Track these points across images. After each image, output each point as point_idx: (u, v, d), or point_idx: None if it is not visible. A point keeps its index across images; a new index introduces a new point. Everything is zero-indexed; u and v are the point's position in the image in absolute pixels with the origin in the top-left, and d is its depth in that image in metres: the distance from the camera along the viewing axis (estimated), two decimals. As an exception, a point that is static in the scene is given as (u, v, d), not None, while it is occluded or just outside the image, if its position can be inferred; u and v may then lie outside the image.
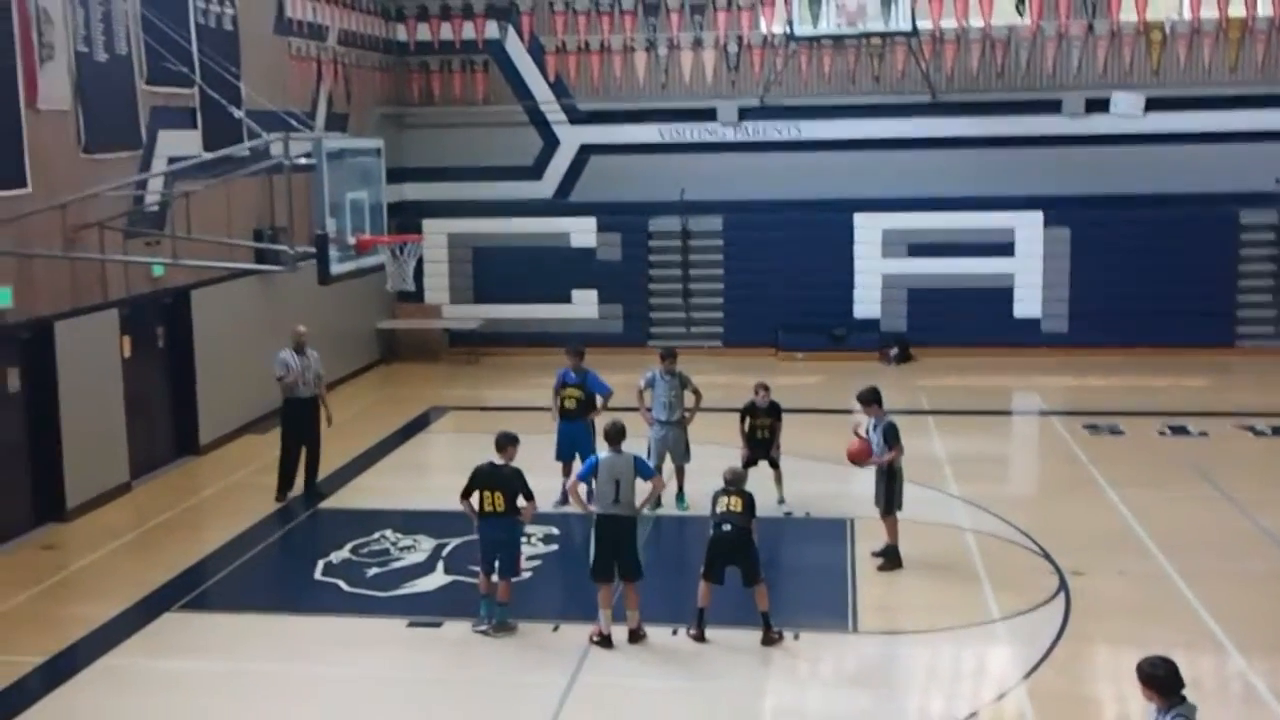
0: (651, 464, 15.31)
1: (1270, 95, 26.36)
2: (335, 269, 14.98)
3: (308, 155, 14.70)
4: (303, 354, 17.04)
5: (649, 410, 16.36)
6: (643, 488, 12.54)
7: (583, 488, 12.70)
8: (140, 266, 17.56)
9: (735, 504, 12.23)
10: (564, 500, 16.37)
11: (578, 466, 16.32)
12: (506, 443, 12.57)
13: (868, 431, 14.35)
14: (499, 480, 12.44)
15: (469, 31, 28.38)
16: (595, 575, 12.31)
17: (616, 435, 12.53)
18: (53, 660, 12.11)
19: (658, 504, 15.64)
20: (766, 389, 16.17)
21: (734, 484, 12.42)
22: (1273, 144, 26.17)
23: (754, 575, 12.19)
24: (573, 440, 16.42)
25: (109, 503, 16.95)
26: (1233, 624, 12.46)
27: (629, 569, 12.31)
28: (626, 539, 12.34)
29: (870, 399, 14.29)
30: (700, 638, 12.26)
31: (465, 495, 12.54)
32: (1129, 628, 12.51)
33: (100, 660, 12.13)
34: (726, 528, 12.18)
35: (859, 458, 14.32)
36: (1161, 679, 7.42)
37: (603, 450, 12.57)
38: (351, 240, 15.24)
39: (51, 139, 15.99)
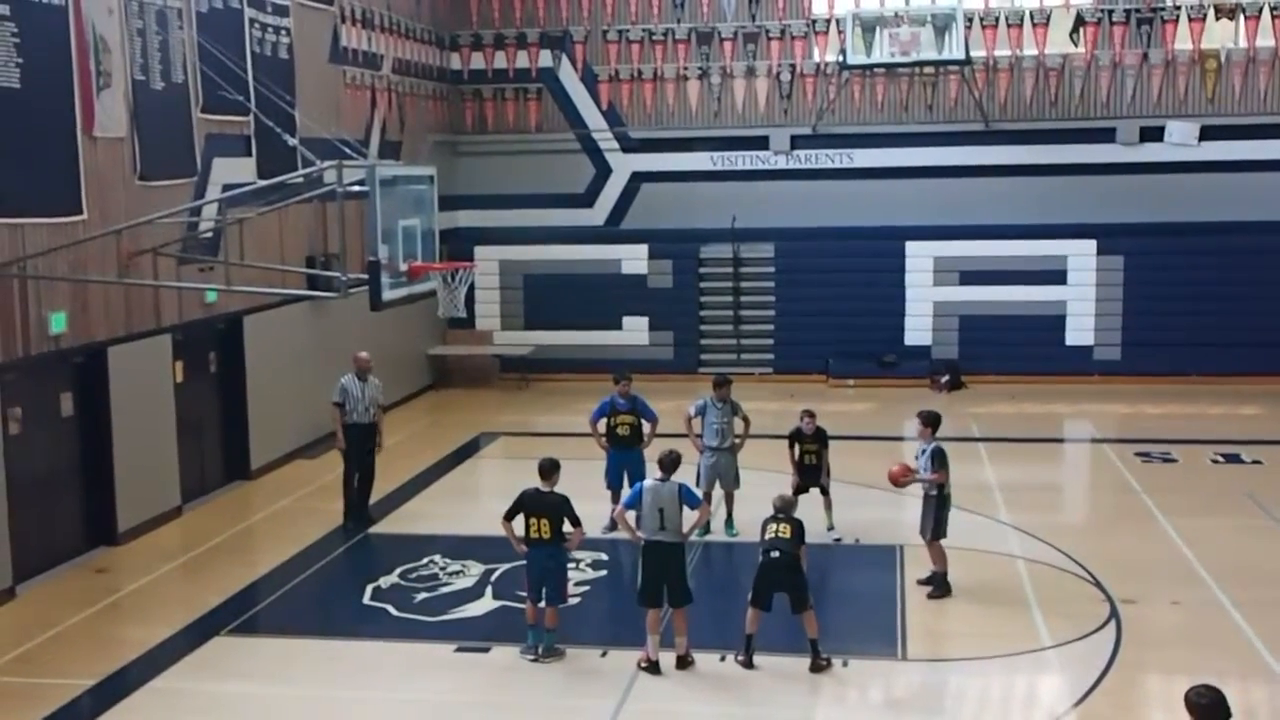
0: (701, 490, 15.37)
1: (1327, 123, 26.15)
2: (387, 295, 15.04)
3: (361, 183, 14.78)
4: (364, 380, 17.16)
5: (699, 437, 16.35)
6: (689, 515, 12.52)
7: (630, 515, 12.66)
8: (193, 292, 17.73)
9: (784, 530, 12.19)
10: (612, 526, 16.37)
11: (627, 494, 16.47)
12: (552, 469, 12.57)
13: (917, 456, 14.29)
14: (545, 506, 12.44)
15: (523, 60, 28.57)
16: (643, 601, 12.29)
17: (671, 465, 12.49)
18: (104, 682, 12.18)
19: (706, 530, 15.64)
20: (812, 415, 16.13)
21: (783, 511, 12.38)
22: (1329, 172, 25.97)
23: (803, 602, 12.13)
24: (625, 467, 16.43)
25: (160, 526, 17.09)
26: (1287, 654, 12.31)
27: (678, 595, 12.28)
28: (674, 565, 12.32)
29: (929, 421, 14.21)
30: (748, 664, 12.20)
31: (508, 518, 12.56)
32: (1181, 657, 12.36)
33: (150, 683, 12.19)
34: (775, 554, 12.14)
35: (899, 478, 14.21)
36: (1205, 707, 7.30)
37: (649, 478, 12.52)
38: (404, 267, 15.31)
39: (107, 166, 16.20)
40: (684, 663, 12.21)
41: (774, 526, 12.26)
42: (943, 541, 14.13)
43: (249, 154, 19.41)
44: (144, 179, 16.86)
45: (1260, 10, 26.28)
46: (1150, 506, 17.57)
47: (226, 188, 18.10)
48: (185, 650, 12.96)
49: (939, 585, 14.07)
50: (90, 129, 15.78)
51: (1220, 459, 20.21)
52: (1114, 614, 13.43)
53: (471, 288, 16.86)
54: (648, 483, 12.43)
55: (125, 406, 16.45)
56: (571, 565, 13.58)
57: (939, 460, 13.93)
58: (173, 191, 17.36)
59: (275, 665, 12.68)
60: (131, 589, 14.96)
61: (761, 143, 27.89)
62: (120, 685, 12.14)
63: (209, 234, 18.05)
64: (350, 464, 17.31)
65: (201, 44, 18.11)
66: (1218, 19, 26.53)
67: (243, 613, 14.15)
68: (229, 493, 19.10)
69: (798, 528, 12.26)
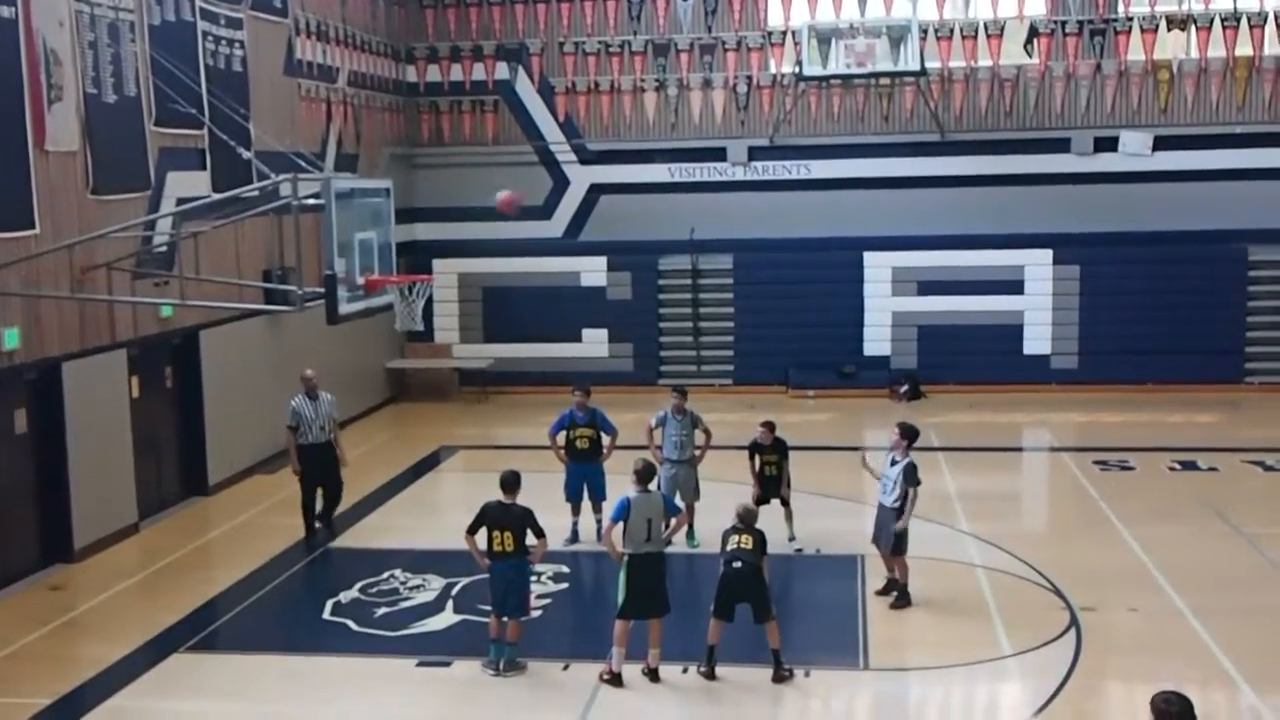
0: None
1: (1277, 133, 26.40)
2: (344, 309, 14.98)
3: (317, 196, 14.72)
4: (315, 399, 16.96)
5: (659, 449, 16.31)
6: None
7: (617, 531, 12.41)
8: (148, 307, 17.59)
9: (746, 541, 12.18)
10: (574, 539, 16.37)
11: (587, 506, 16.41)
12: (514, 482, 12.52)
13: (889, 464, 14.25)
14: (509, 519, 12.38)
15: (479, 72, 28.50)
16: (626, 613, 12.17)
17: (648, 474, 12.41)
18: (60, 701, 12.03)
19: (667, 542, 15.57)
20: (770, 427, 16.11)
21: (745, 521, 12.35)
22: (1280, 181, 26.25)
23: (765, 612, 12.12)
24: (584, 480, 16.42)
25: (117, 543, 16.91)
26: (1244, 659, 12.37)
27: (661, 605, 12.23)
28: (659, 576, 12.28)
29: (907, 434, 14.18)
30: (711, 675, 12.18)
31: (472, 531, 12.50)
32: (1140, 663, 12.46)
33: (108, 701, 12.05)
34: (737, 565, 12.12)
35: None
36: (1176, 715, 7.32)
37: (631, 490, 12.38)
38: (360, 280, 15.26)
39: (59, 180, 16.04)
40: (655, 675, 12.16)
41: (736, 538, 12.23)
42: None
43: (203, 167, 19.28)
44: (97, 193, 16.71)
45: (1211, 22, 26.53)
46: (1108, 514, 17.67)
47: (180, 201, 17.99)
48: (143, 668, 12.82)
49: (900, 595, 14.08)
50: (42, 143, 15.62)
51: (1177, 466, 20.36)
52: (1074, 622, 13.49)
53: (430, 300, 16.80)
54: (633, 495, 12.26)
55: (80, 423, 16.28)
56: (533, 578, 13.52)
57: (910, 475, 13.91)
58: (126, 205, 17.22)
59: (234, 682, 12.55)
60: (88, 606, 14.79)
61: (719, 154, 27.91)
62: (77, 704, 12.00)
63: (163, 248, 17.92)
64: (308, 485, 17.10)
65: (154, 57, 17.97)
66: (1169, 30, 26.78)
67: (201, 629, 14.02)
68: (187, 509, 18.94)
69: (760, 539, 12.25)
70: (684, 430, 16.24)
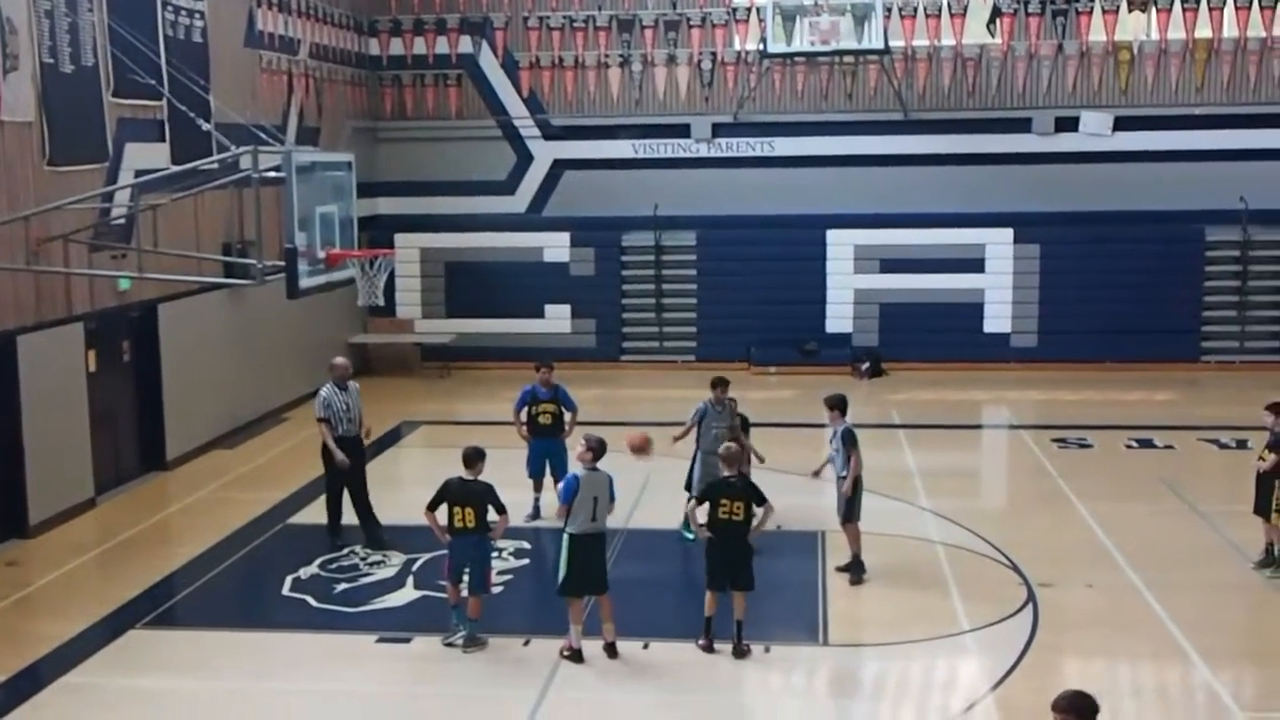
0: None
1: (1235, 115, 26.63)
2: (304, 283, 14.91)
3: (277, 169, 14.63)
4: (344, 389, 15.92)
5: (690, 432, 15.73)
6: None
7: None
8: (106, 280, 17.43)
9: (738, 511, 12.20)
10: (535, 515, 16.34)
11: (549, 483, 16.34)
12: (476, 458, 12.49)
13: (830, 440, 14.34)
14: (470, 495, 12.36)
15: (443, 46, 28.37)
16: (566, 591, 12.19)
17: (599, 451, 12.28)
18: (14, 678, 11.96)
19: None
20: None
21: (733, 477, 12.37)
22: (1238, 163, 26.43)
23: (748, 581, 12.22)
24: (547, 457, 16.38)
25: (73, 519, 16.79)
26: (1198, 635, 12.48)
27: (601, 583, 12.23)
28: (599, 556, 12.26)
29: (835, 405, 14.28)
30: (709, 648, 12.22)
31: (432, 508, 12.47)
32: (1096, 639, 12.56)
33: (63, 678, 11.98)
34: (729, 536, 12.18)
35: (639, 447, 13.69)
36: (1091, 708, 7.23)
37: (580, 468, 12.30)
38: (321, 254, 15.17)
39: (15, 151, 15.87)
40: (613, 650, 12.18)
41: (727, 504, 12.19)
42: (860, 524, 14.24)
43: (162, 139, 19.11)
44: (53, 164, 16.54)
45: (1172, 4, 26.66)
46: (1066, 491, 17.78)
47: (139, 173, 17.81)
48: (99, 644, 12.75)
49: (855, 567, 14.16)
50: (-2, 113, 15.48)
51: (1134, 444, 20.50)
52: (1031, 597, 13.58)
53: (392, 275, 16.71)
54: (581, 473, 12.18)
55: (36, 397, 16.12)
56: (495, 554, 13.51)
57: (849, 440, 14.00)
58: (83, 177, 17.05)
59: (192, 658, 12.48)
60: (43, 582, 14.69)
61: (683, 131, 27.88)
62: (31, 681, 11.93)
63: (121, 220, 17.75)
64: (335, 479, 15.90)
65: (112, 26, 17.79)
66: (1130, 11, 26.91)
67: (159, 605, 13.96)
68: (144, 484, 18.81)
69: (749, 499, 12.25)
70: (725, 422, 15.55)
